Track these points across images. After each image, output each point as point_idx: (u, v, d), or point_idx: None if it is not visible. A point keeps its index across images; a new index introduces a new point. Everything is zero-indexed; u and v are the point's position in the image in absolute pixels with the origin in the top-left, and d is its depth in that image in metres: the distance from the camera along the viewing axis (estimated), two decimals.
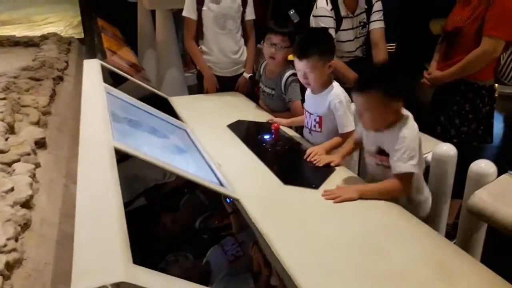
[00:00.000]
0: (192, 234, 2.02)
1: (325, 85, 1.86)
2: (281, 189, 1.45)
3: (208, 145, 1.79)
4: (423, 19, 4.30)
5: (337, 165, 1.64)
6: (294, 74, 2.14)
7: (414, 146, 1.42)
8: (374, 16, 2.38)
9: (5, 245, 1.45)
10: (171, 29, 3.97)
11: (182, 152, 1.64)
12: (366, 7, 2.37)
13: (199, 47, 2.72)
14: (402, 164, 1.41)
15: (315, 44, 1.79)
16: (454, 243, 1.55)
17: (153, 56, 4.48)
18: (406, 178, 1.42)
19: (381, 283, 1.00)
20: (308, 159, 1.67)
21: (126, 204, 1.40)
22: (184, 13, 2.70)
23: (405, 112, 1.50)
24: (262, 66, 2.43)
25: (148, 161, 1.26)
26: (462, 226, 1.60)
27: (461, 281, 1.02)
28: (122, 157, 1.45)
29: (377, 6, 2.39)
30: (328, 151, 1.73)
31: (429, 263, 1.07)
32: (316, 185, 1.45)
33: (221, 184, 1.42)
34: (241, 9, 2.65)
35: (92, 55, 2.62)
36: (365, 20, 2.39)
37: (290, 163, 1.70)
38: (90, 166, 1.06)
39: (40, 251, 1.56)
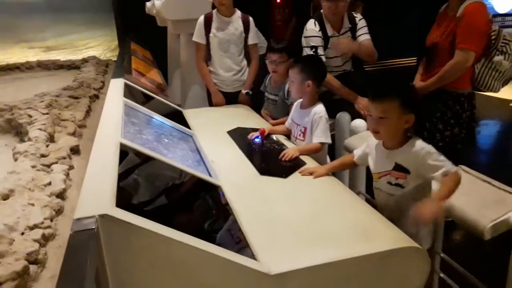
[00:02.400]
0: (203, 235, 2.34)
1: (313, 102, 2.20)
2: (256, 178, 1.78)
3: (207, 146, 2.14)
4: None
5: (319, 176, 1.77)
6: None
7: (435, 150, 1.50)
8: (360, 32, 2.68)
9: (42, 223, 1.87)
10: (193, 51, 4.39)
11: (182, 150, 2.00)
12: (350, 26, 2.67)
13: (208, 67, 3.13)
14: (448, 164, 1.46)
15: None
16: None
17: (179, 75, 4.92)
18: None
19: (314, 242, 1.30)
20: (281, 158, 1.98)
21: (149, 202, 1.74)
22: (194, 38, 3.15)
23: None
24: (268, 78, 2.80)
25: (149, 155, 1.62)
26: None
27: (376, 238, 1.30)
28: (145, 159, 1.79)
29: (361, 23, 2.70)
30: (302, 153, 2.03)
31: (354, 226, 1.36)
32: (285, 175, 1.76)
33: (210, 175, 1.76)
34: (243, 35, 3.04)
35: (120, 75, 3.06)
36: (350, 37, 2.69)
37: (269, 159, 2.04)
38: (100, 151, 1.45)
39: (70, 230, 1.95)
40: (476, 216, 1.50)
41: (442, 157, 1.48)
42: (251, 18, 3.08)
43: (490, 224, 1.47)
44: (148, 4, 4.59)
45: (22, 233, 1.80)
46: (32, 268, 1.65)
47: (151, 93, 2.93)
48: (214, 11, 3.08)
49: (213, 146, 2.18)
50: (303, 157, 1.99)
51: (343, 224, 1.39)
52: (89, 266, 0.89)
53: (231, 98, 3.13)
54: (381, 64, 3.52)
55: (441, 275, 1.78)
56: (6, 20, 7.41)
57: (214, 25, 3.04)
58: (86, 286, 0.83)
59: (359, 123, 2.48)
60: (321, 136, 2.11)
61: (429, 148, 1.50)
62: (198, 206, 2.60)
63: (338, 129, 2.63)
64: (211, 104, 3.24)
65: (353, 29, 2.68)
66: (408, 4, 5.93)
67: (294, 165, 1.89)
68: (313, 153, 2.07)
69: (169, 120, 2.35)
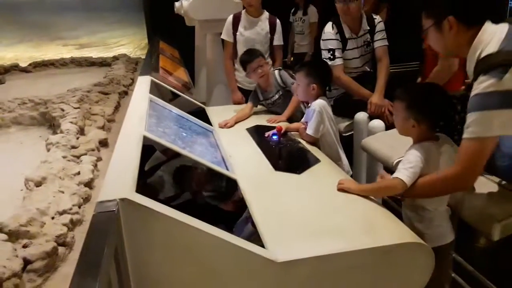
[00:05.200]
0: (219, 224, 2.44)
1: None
2: (271, 173, 1.85)
3: (227, 143, 2.23)
4: None
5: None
6: (279, 69, 2.74)
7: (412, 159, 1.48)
8: (377, 36, 2.71)
9: (71, 209, 2.00)
10: (219, 50, 4.50)
11: (202, 145, 2.09)
12: (368, 28, 2.71)
13: (235, 65, 3.23)
14: (401, 174, 1.47)
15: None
16: None
17: (205, 73, 5.04)
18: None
19: (320, 234, 1.36)
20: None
21: (175, 197, 1.83)
22: (222, 36, 3.28)
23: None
24: (257, 92, 2.80)
25: (170, 148, 1.72)
26: None
27: (381, 232, 1.35)
28: (171, 156, 1.89)
29: (379, 26, 2.72)
30: (289, 129, 2.30)
31: (360, 220, 1.42)
32: (299, 171, 1.83)
33: (227, 169, 1.85)
34: (269, 35, 3.14)
35: (148, 72, 3.20)
36: (369, 40, 2.72)
37: (284, 156, 2.10)
38: (124, 143, 1.57)
39: None
40: (485, 216, 1.53)
41: (409, 165, 1.46)
42: (278, 21, 3.18)
43: (498, 224, 1.49)
44: (176, 4, 4.73)
45: (53, 218, 1.95)
46: (61, 249, 1.79)
47: (177, 90, 3.05)
48: (243, 11, 3.21)
49: (232, 142, 2.26)
50: (318, 155, 2.04)
51: (350, 218, 1.45)
52: (108, 245, 0.98)
53: None
54: (405, 65, 3.50)
55: (453, 274, 1.80)
56: (43, 19, 7.75)
57: (241, 24, 3.16)
58: (104, 262, 0.93)
59: (377, 123, 2.51)
60: (309, 128, 2.17)
61: (412, 154, 1.49)
62: (213, 198, 2.70)
63: (356, 129, 2.67)
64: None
65: (372, 32, 2.71)
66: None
67: (309, 162, 1.95)
68: (304, 139, 2.23)
69: (191, 116, 2.45)
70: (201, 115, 2.79)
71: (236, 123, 2.60)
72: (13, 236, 1.77)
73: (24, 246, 1.72)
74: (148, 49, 5.14)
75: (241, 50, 3.16)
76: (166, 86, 2.97)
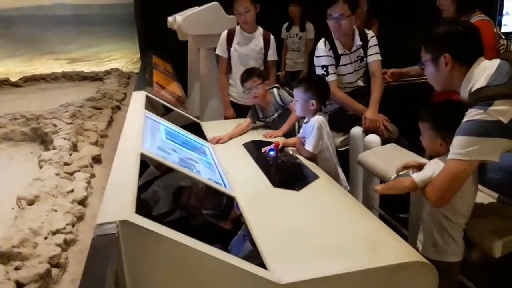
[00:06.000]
0: (217, 243, 2.40)
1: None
2: (270, 190, 1.83)
3: (223, 158, 2.21)
4: None
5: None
6: (277, 87, 2.75)
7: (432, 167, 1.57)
8: (371, 50, 2.73)
9: (64, 228, 1.95)
10: (213, 65, 4.51)
11: (199, 162, 2.07)
12: (361, 43, 2.73)
13: (229, 80, 3.23)
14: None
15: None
16: None
17: (198, 88, 5.04)
18: None
19: (323, 253, 1.34)
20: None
21: (168, 213, 1.81)
22: (216, 52, 3.29)
23: None
24: (256, 109, 2.81)
25: (168, 166, 1.69)
26: None
27: (384, 252, 1.34)
28: (164, 171, 1.87)
29: (372, 41, 2.75)
30: (286, 144, 2.33)
31: (363, 239, 1.40)
32: (298, 188, 1.81)
33: (225, 186, 1.82)
34: (263, 51, 3.16)
35: (142, 88, 3.18)
36: (362, 55, 2.74)
37: (282, 172, 2.08)
38: (122, 161, 1.54)
39: (90, 236, 2.03)
40: (485, 233, 1.52)
41: (426, 172, 1.56)
42: (272, 36, 3.20)
43: (499, 241, 1.48)
44: (169, 18, 4.74)
45: (45, 238, 1.89)
46: (54, 271, 1.73)
47: (171, 105, 3.03)
48: (238, 27, 3.22)
49: (229, 158, 2.25)
50: (316, 171, 2.03)
51: (353, 237, 1.43)
52: (109, 270, 0.95)
53: (246, 111, 3.20)
54: (399, 80, 3.54)
55: None
56: (34, 33, 7.70)
57: (236, 40, 3.18)
58: None
59: (373, 138, 2.52)
60: (309, 145, 2.17)
61: (435, 163, 1.57)
62: (212, 216, 2.67)
63: (352, 144, 2.67)
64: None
65: (364, 46, 2.73)
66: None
67: (307, 178, 1.93)
68: (303, 155, 2.21)
69: (187, 132, 2.43)
70: (196, 130, 2.77)
71: (230, 139, 2.58)
72: (5, 258, 1.71)
73: (16, 269, 1.67)
74: (142, 64, 5.13)
75: (235, 65, 3.18)
76: (160, 101, 2.95)
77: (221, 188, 1.76)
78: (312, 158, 2.19)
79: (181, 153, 2.07)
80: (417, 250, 1.59)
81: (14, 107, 3.98)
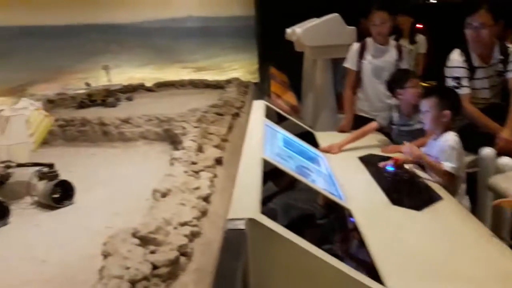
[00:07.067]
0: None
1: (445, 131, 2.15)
2: (388, 207, 1.79)
3: (338, 170, 2.22)
4: None
5: None
6: None
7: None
8: (511, 65, 2.48)
9: (191, 221, 2.15)
10: (329, 75, 4.54)
11: (315, 171, 2.12)
12: (501, 57, 2.49)
13: (358, 94, 3.22)
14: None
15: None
16: None
17: (312, 98, 5.11)
18: None
19: (445, 279, 1.28)
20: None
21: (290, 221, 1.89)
22: (346, 64, 3.28)
23: None
24: (392, 114, 2.73)
25: (285, 171, 1.78)
26: None
27: None
28: (290, 180, 1.96)
29: None
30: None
31: (490, 268, 1.29)
32: (420, 208, 1.74)
33: (340, 198, 1.84)
34: (397, 62, 3.08)
35: (261, 97, 3.36)
36: (501, 69, 2.50)
37: (402, 189, 2.01)
38: (246, 164, 1.66)
39: (212, 231, 2.20)
40: None
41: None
42: (404, 47, 3.16)
43: None
44: (288, 30, 4.90)
45: (175, 228, 2.11)
46: (182, 259, 1.93)
47: (287, 114, 3.14)
48: (369, 39, 3.19)
49: (343, 170, 2.25)
50: (439, 191, 1.93)
51: (479, 263, 1.33)
52: (239, 263, 1.05)
53: None
54: None
55: None
56: (166, 43, 8.56)
57: (369, 52, 3.15)
58: (236, 283, 0.99)
59: (507, 161, 2.30)
60: (449, 164, 2.04)
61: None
62: (326, 227, 2.68)
63: (481, 166, 2.46)
64: None
65: (505, 60, 2.50)
66: None
67: (429, 198, 1.85)
68: (438, 175, 2.06)
69: (303, 141, 2.50)
70: (310, 139, 2.83)
71: (347, 143, 2.56)
72: (144, 241, 1.95)
73: (152, 252, 1.89)
74: (260, 74, 5.37)
75: (367, 78, 3.15)
76: (277, 110, 3.08)
77: (337, 199, 1.78)
78: (450, 180, 2.06)
79: (297, 161, 2.14)
80: None
81: (148, 110, 4.50)
